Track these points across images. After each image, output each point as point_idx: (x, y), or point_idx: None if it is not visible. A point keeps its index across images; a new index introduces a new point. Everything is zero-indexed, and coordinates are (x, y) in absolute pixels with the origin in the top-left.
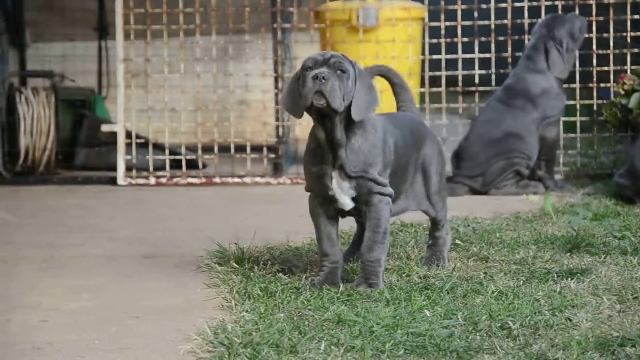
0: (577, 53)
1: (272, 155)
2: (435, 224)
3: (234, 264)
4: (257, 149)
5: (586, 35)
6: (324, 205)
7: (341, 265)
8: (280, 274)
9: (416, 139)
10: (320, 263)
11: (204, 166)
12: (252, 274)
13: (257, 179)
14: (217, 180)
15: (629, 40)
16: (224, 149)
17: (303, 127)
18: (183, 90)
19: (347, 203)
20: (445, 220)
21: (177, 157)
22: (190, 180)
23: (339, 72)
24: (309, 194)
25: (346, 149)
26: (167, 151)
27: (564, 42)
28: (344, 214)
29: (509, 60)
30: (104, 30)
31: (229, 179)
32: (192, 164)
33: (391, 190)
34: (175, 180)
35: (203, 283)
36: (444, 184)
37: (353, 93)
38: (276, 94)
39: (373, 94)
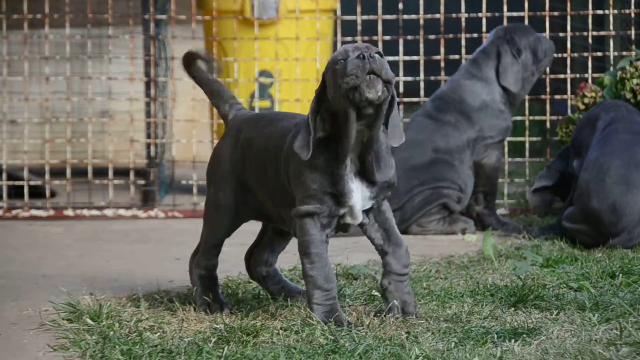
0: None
1: (142, 182)
2: None
3: (89, 321)
4: (122, 173)
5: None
6: (327, 228)
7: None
8: (148, 333)
9: None
10: (319, 300)
11: (53, 195)
12: (112, 332)
13: (122, 212)
14: (69, 212)
15: (590, 41)
16: (79, 172)
17: (181, 145)
18: (27, 98)
19: (360, 216)
20: None
21: (17, 182)
22: (34, 212)
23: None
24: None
25: (372, 154)
26: (4, 175)
27: (523, 53)
28: (347, 229)
29: (442, 64)
30: None
31: (85, 212)
32: (37, 192)
33: None
34: (14, 212)
35: (47, 345)
36: None
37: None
38: (147, 103)
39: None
